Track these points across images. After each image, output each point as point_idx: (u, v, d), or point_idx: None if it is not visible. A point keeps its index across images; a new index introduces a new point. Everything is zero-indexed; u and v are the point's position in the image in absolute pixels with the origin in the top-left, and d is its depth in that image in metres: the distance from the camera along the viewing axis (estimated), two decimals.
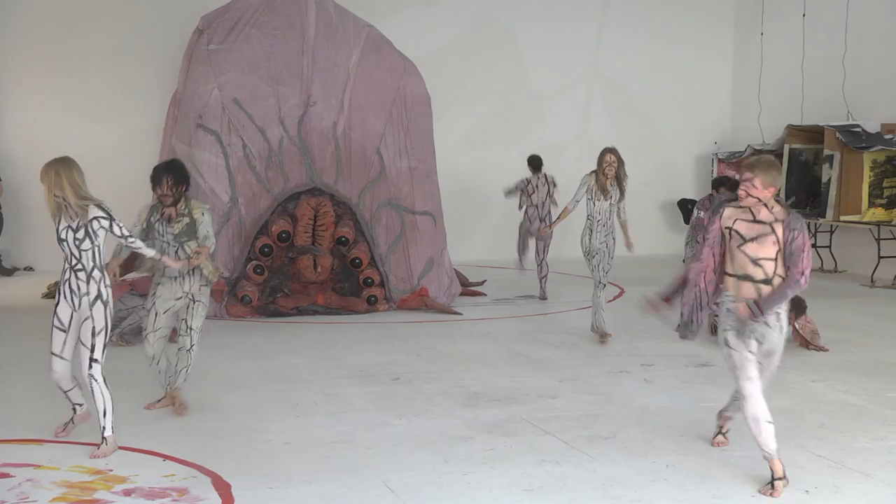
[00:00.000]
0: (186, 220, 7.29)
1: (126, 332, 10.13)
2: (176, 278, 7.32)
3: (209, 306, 11.55)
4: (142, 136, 15.17)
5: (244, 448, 6.72)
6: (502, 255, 17.10)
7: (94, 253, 6.48)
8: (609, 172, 9.98)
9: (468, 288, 13.75)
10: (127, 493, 5.87)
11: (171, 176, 7.21)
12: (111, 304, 6.60)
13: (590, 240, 10.16)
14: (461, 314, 12.17)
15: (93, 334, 6.50)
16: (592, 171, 10.10)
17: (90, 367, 6.49)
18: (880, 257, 14.79)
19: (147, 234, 7.27)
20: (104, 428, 6.49)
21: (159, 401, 7.66)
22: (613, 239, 10.27)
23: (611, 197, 10.10)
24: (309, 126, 12.32)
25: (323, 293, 12.03)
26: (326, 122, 12.39)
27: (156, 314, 7.39)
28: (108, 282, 6.57)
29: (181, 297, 7.39)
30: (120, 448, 6.54)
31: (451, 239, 13.30)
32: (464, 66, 17.35)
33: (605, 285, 10.34)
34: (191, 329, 7.52)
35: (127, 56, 15.86)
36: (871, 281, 14.78)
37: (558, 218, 10.95)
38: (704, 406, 7.84)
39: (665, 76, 18.51)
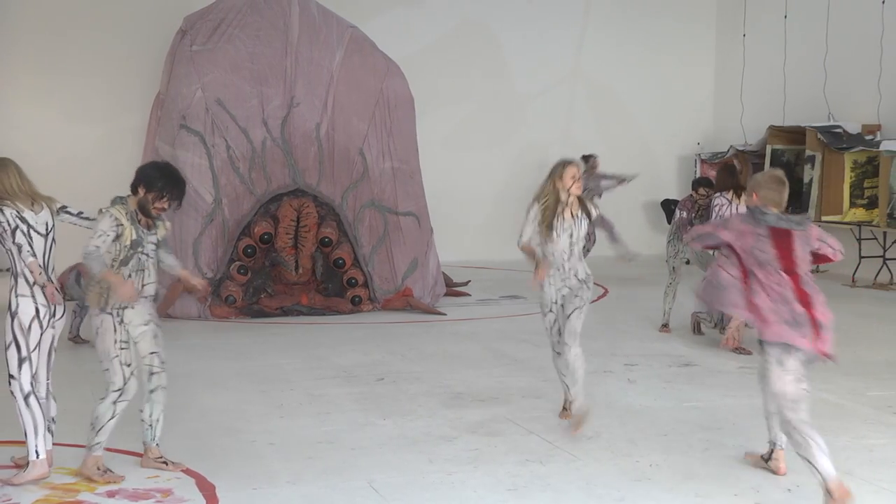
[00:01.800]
0: (161, 223, 6.36)
1: None
2: (148, 298, 6.27)
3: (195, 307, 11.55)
4: (125, 137, 15.12)
5: (228, 449, 6.71)
6: (486, 256, 17.14)
7: (10, 256, 5.96)
8: (576, 193, 7.17)
9: (452, 288, 13.75)
10: (111, 494, 5.86)
11: (181, 189, 6.28)
12: (23, 315, 5.94)
13: (542, 288, 7.24)
14: (445, 314, 12.18)
15: (4, 348, 6.02)
16: (536, 199, 7.31)
17: (9, 383, 6.00)
18: (861, 257, 14.88)
19: (133, 250, 6.12)
20: (28, 452, 5.97)
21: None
22: (581, 282, 7.16)
23: (570, 229, 7.14)
24: (292, 127, 12.31)
25: (306, 293, 12.03)
26: (309, 123, 12.38)
27: (134, 344, 6.17)
28: (20, 291, 5.94)
29: (148, 322, 6.30)
30: (110, 450, 6.44)
31: (434, 239, 13.29)
32: (447, 67, 17.36)
33: (562, 352, 7.26)
34: (163, 363, 6.32)
35: (110, 57, 15.80)
36: (853, 281, 14.85)
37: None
38: (688, 406, 7.89)
39: (648, 77, 18.57)
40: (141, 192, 6.13)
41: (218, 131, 12.11)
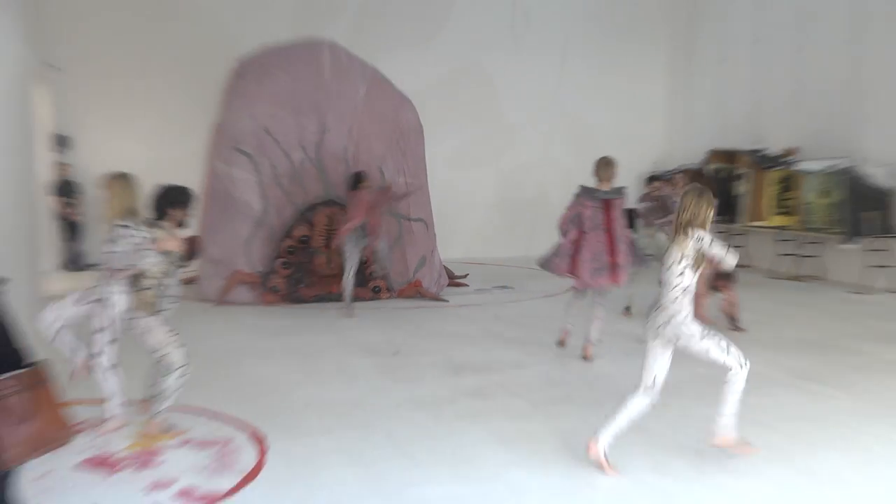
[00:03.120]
0: None
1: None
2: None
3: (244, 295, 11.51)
4: (189, 158, 15.14)
5: (275, 408, 6.79)
6: (481, 254, 17.19)
7: (116, 258, 5.99)
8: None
9: (454, 280, 13.80)
10: (184, 442, 5.98)
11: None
12: (121, 308, 6.02)
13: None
14: (448, 301, 12.23)
15: (97, 329, 6.09)
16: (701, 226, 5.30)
17: (94, 356, 6.10)
18: (779, 254, 14.99)
19: (174, 263, 6.16)
20: (109, 409, 6.14)
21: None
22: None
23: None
24: (324, 149, 12.36)
25: (336, 284, 12.07)
26: (338, 146, 12.43)
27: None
28: (122, 288, 5.99)
29: None
30: (178, 408, 6.49)
31: (439, 240, 13.36)
32: (450, 100, 17.39)
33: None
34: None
35: (179, 92, 15.89)
36: (773, 273, 14.93)
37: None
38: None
39: (613, 108, 18.62)
40: (175, 212, 6.15)
41: (264, 153, 12.17)
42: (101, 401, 6.25)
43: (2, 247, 6.54)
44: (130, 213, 5.99)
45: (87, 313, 6.22)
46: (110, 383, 6.14)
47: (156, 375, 6.29)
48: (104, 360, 6.10)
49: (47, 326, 6.22)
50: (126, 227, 5.94)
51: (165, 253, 6.00)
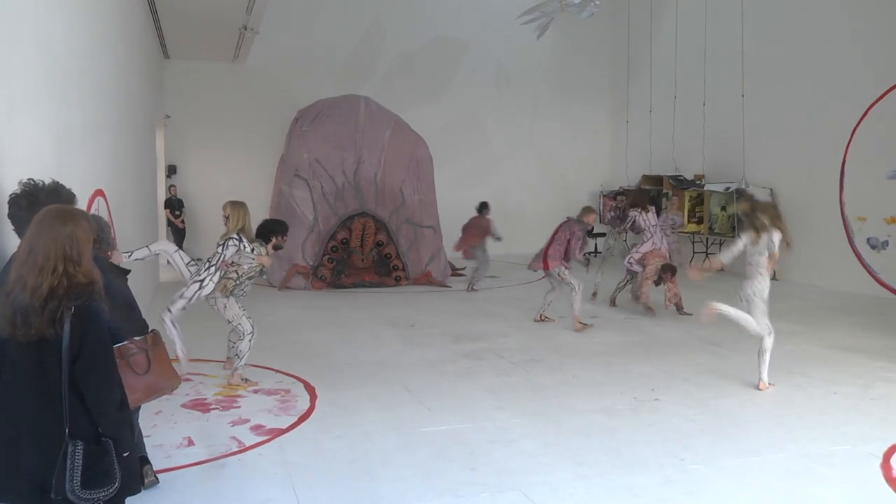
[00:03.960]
0: None
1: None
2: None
3: (301, 282, 11.43)
4: (262, 182, 15.17)
5: (322, 366, 6.77)
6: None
7: (217, 258, 5.92)
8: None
9: (455, 271, 13.71)
10: (256, 391, 5.95)
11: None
12: (206, 290, 5.88)
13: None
14: (451, 287, 12.15)
15: (180, 297, 5.85)
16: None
17: (167, 311, 5.81)
18: (694, 253, 14.94)
19: (261, 273, 6.23)
20: (180, 355, 5.80)
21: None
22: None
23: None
24: (360, 175, 12.34)
25: (368, 274, 12.07)
26: (370, 173, 12.41)
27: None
28: (215, 278, 5.89)
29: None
30: (253, 366, 6.52)
31: (444, 241, 13.31)
32: (452, 139, 17.35)
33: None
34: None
35: (254, 133, 15.84)
36: (689, 266, 14.82)
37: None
38: (596, 341, 7.92)
39: (570, 145, 18.56)
40: (274, 239, 6.20)
41: (316, 177, 12.15)
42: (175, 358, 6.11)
43: (132, 246, 6.52)
44: (241, 230, 5.99)
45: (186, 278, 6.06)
46: (175, 332, 5.88)
47: (233, 341, 6.31)
48: (170, 318, 5.86)
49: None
50: (238, 239, 5.94)
51: (259, 264, 6.07)
